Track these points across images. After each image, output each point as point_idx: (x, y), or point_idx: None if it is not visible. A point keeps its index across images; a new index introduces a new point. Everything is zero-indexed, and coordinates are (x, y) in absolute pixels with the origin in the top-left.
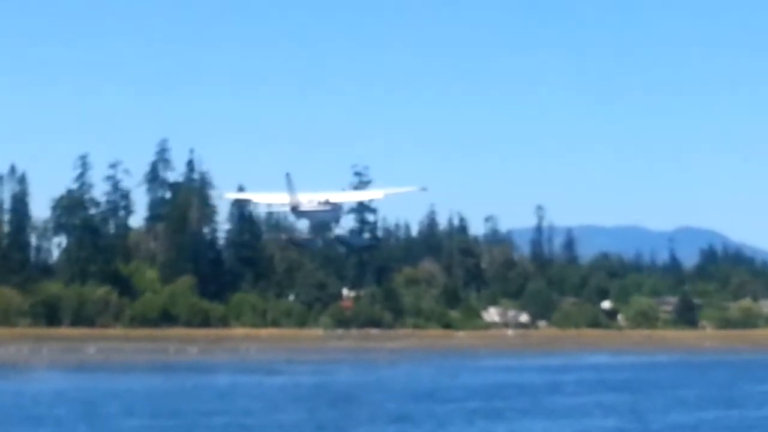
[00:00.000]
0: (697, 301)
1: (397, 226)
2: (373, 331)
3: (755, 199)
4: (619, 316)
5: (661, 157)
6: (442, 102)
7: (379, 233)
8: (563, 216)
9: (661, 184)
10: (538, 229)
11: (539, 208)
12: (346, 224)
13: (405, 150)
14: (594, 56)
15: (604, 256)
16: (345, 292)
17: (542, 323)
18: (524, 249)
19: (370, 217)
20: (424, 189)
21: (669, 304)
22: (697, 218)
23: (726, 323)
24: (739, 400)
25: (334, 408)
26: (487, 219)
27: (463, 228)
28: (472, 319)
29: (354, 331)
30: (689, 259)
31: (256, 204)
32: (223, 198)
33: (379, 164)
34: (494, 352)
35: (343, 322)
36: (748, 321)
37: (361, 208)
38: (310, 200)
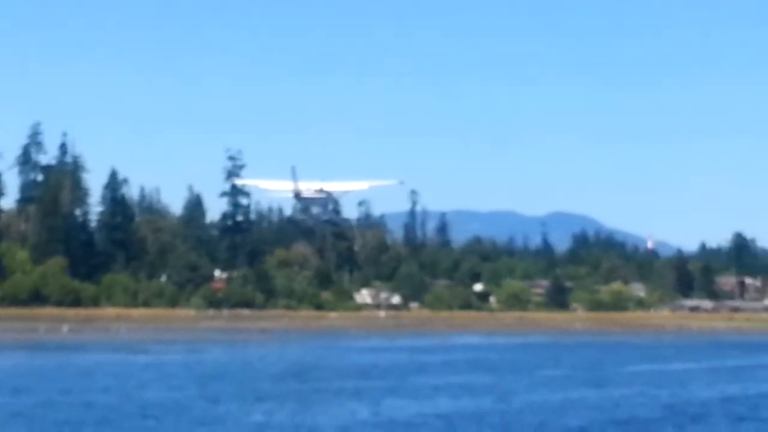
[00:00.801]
0: (568, 284)
1: (270, 209)
2: (245, 311)
3: (626, 185)
4: (492, 299)
5: (533, 142)
6: (313, 84)
7: (252, 216)
8: (436, 201)
9: (533, 170)
10: (412, 214)
11: (413, 192)
12: (221, 207)
13: (276, 133)
14: (460, 38)
15: (477, 240)
16: (217, 273)
17: (414, 305)
18: (397, 233)
19: (244, 201)
20: (402, 182)
21: (541, 287)
22: (569, 203)
23: (597, 306)
24: (605, 380)
25: (198, 386)
26: (360, 203)
27: (336, 212)
28: (345, 300)
29: (226, 312)
30: (561, 243)
31: (263, 190)
32: (235, 182)
33: (252, 149)
34: (366, 333)
35: (214, 302)
36: (618, 304)
37: (235, 191)
38: (308, 188)
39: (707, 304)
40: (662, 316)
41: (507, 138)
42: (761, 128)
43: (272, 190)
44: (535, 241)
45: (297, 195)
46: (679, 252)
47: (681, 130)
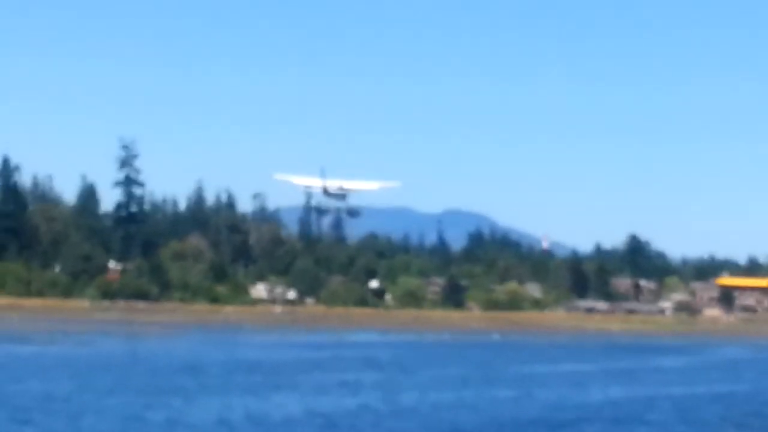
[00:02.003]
0: (464, 282)
1: (164, 200)
2: (140, 304)
3: (522, 183)
4: (387, 296)
5: (429, 139)
6: (209, 77)
7: (146, 207)
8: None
9: (429, 167)
10: (307, 209)
11: (308, 187)
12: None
13: (174, 125)
14: (367, 38)
15: (373, 237)
16: (111, 264)
17: (310, 301)
18: (293, 227)
19: (138, 191)
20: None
21: (436, 285)
22: (465, 201)
23: (492, 305)
24: (494, 380)
25: (76, 379)
26: (255, 196)
27: (231, 204)
28: (240, 294)
29: (120, 304)
30: (457, 241)
31: (295, 185)
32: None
33: (147, 139)
34: (260, 328)
35: (109, 294)
36: (514, 303)
37: (128, 181)
38: (332, 186)
39: (602, 305)
40: (557, 316)
41: (401, 134)
42: (655, 130)
43: (305, 186)
44: (431, 239)
45: (325, 191)
46: (574, 253)
47: (576, 130)
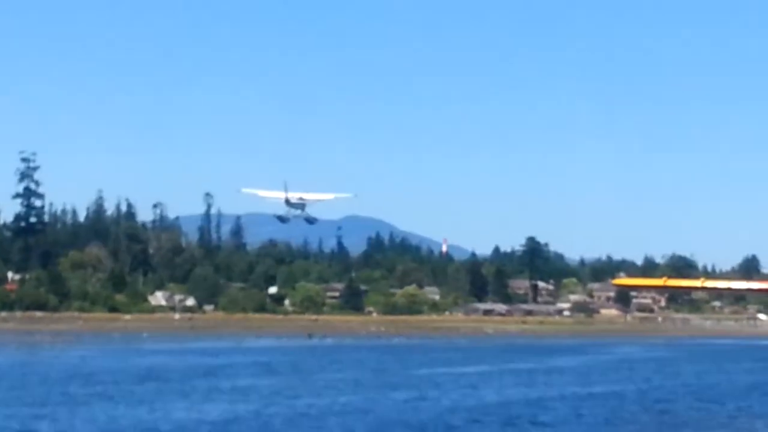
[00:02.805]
0: (363, 287)
1: (64, 211)
2: (38, 313)
3: (420, 188)
4: (286, 302)
5: (325, 145)
6: (111, 89)
7: (46, 218)
8: (231, 204)
9: (327, 173)
10: (206, 216)
11: (207, 195)
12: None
13: (75, 137)
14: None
15: (272, 243)
16: (10, 275)
17: (209, 308)
18: (192, 235)
19: (37, 202)
20: (356, 195)
21: (336, 290)
22: (364, 207)
23: (391, 309)
24: (393, 383)
25: None
26: (155, 205)
27: (131, 214)
28: (139, 303)
29: (18, 314)
30: (356, 246)
31: (263, 197)
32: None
33: (49, 152)
34: (159, 336)
35: (7, 304)
36: (413, 307)
37: (28, 193)
38: (293, 197)
39: (501, 307)
40: (456, 319)
41: (297, 141)
42: (549, 133)
43: (269, 198)
44: (330, 245)
45: (287, 201)
46: (473, 255)
47: (472, 135)
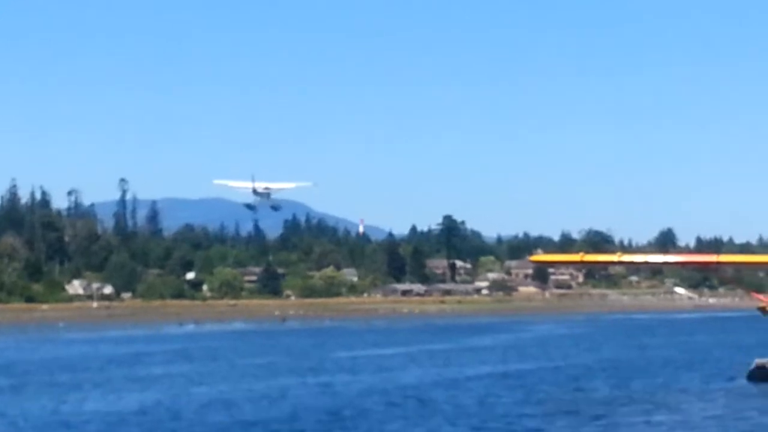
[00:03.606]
0: (281, 270)
1: None
2: None
3: (335, 168)
4: (204, 287)
5: (237, 127)
6: (26, 75)
7: None
8: (146, 189)
9: (241, 155)
10: (122, 202)
11: (122, 181)
12: None
13: None
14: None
15: (189, 228)
16: None
17: (127, 295)
18: (108, 222)
19: None
20: (316, 184)
21: (253, 274)
22: (280, 190)
23: (309, 292)
24: (310, 367)
25: None
26: (70, 193)
27: (45, 202)
28: (56, 292)
29: None
30: (273, 229)
31: (233, 188)
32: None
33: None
34: (77, 325)
35: None
36: (331, 289)
37: None
38: (260, 187)
39: (419, 287)
40: (375, 300)
41: (210, 127)
42: (464, 111)
43: (239, 188)
44: (247, 228)
45: (254, 191)
46: (390, 236)
47: (387, 114)
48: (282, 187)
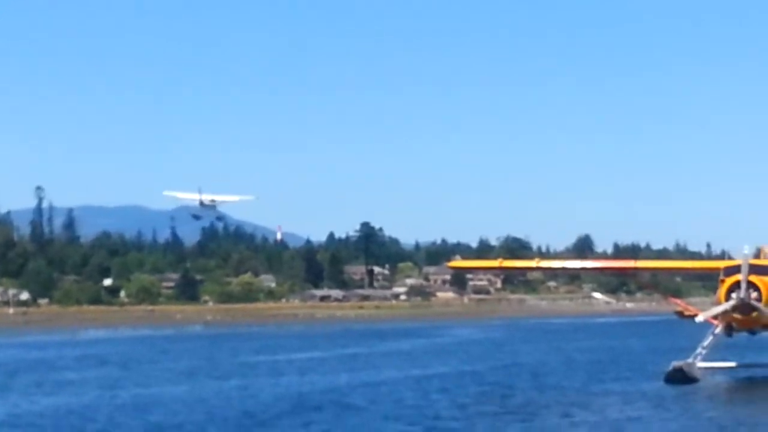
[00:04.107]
0: (198, 276)
1: None
2: None
3: (254, 176)
4: (122, 293)
5: (155, 137)
6: None
7: None
8: (63, 197)
9: (158, 165)
10: (38, 210)
11: (38, 188)
12: None
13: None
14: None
15: (106, 235)
16: None
17: (44, 301)
18: (24, 230)
19: None
20: (257, 197)
21: (171, 280)
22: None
23: (227, 298)
24: (225, 372)
25: None
26: None
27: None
28: None
29: None
30: (191, 236)
31: (181, 199)
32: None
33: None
34: None
35: None
36: (249, 295)
37: None
38: (206, 199)
39: (337, 293)
40: (293, 306)
41: (127, 135)
42: (379, 119)
43: (187, 199)
44: (164, 235)
45: (201, 203)
46: (308, 242)
47: (302, 123)
48: (226, 199)
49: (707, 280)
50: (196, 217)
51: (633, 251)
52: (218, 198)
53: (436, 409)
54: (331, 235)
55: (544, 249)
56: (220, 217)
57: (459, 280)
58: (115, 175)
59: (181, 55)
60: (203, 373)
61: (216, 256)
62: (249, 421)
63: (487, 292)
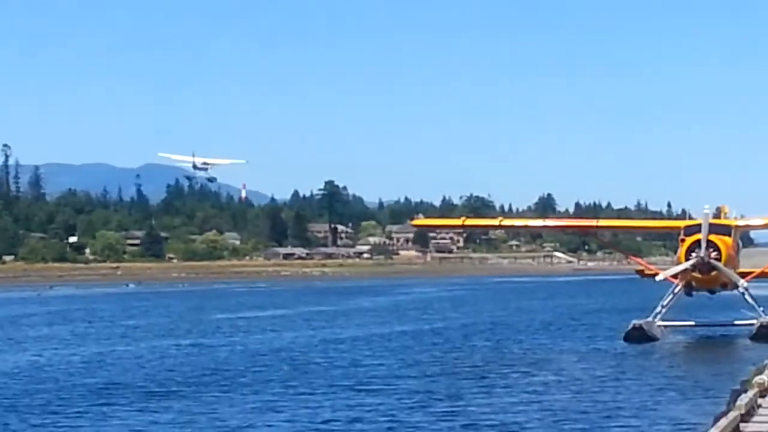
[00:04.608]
0: (164, 234)
1: None
2: None
3: (220, 134)
4: (87, 250)
5: (122, 97)
6: None
7: None
8: (29, 154)
9: (128, 120)
10: (4, 167)
11: (5, 146)
12: None
13: None
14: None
15: (72, 193)
16: None
17: (9, 258)
18: None
19: None
20: (247, 162)
21: (136, 237)
22: (163, 155)
23: (192, 255)
24: (189, 329)
25: None
26: None
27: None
28: None
29: None
30: (156, 194)
31: (176, 161)
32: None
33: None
34: None
35: None
36: (214, 253)
37: None
38: (199, 162)
39: (301, 251)
40: (257, 263)
41: (92, 93)
42: (343, 78)
43: (183, 161)
44: (130, 193)
45: (194, 165)
46: (273, 200)
47: (268, 79)
48: (218, 162)
49: (668, 240)
50: (189, 179)
51: (594, 210)
52: (210, 161)
53: (393, 368)
54: (296, 194)
55: (506, 208)
56: (211, 179)
57: (422, 238)
58: (80, 132)
59: (140, 15)
60: (165, 330)
61: (181, 214)
62: (206, 376)
63: (450, 251)
